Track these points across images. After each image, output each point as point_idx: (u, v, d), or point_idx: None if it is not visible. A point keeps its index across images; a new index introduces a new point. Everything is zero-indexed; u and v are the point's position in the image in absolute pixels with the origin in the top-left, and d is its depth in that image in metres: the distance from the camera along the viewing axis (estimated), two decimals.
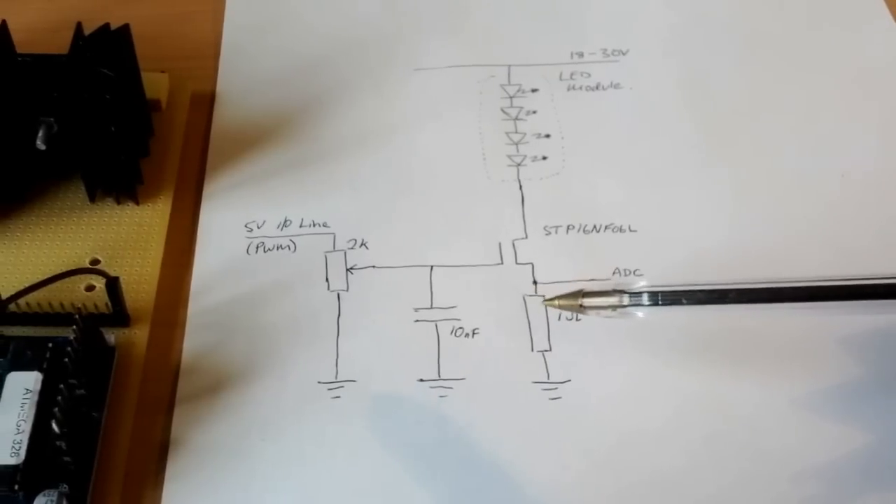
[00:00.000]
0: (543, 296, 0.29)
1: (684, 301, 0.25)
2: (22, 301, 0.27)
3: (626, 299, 0.26)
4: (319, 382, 0.27)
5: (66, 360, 0.25)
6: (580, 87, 0.35)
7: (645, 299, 0.25)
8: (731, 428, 0.26)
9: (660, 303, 0.25)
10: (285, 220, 0.31)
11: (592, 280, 0.29)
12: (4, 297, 0.26)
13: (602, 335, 0.28)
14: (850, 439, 0.26)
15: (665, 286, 0.26)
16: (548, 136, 0.33)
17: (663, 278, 0.29)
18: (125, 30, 0.30)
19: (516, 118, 0.34)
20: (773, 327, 0.28)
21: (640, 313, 0.26)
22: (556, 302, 0.27)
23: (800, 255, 0.30)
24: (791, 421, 0.26)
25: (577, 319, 0.28)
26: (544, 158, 0.33)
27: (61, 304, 0.27)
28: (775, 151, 0.33)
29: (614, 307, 0.26)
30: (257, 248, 0.30)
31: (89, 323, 0.26)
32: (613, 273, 0.29)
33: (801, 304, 0.25)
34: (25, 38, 0.30)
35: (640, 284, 0.26)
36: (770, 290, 0.25)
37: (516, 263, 0.30)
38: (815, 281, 0.25)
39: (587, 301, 0.26)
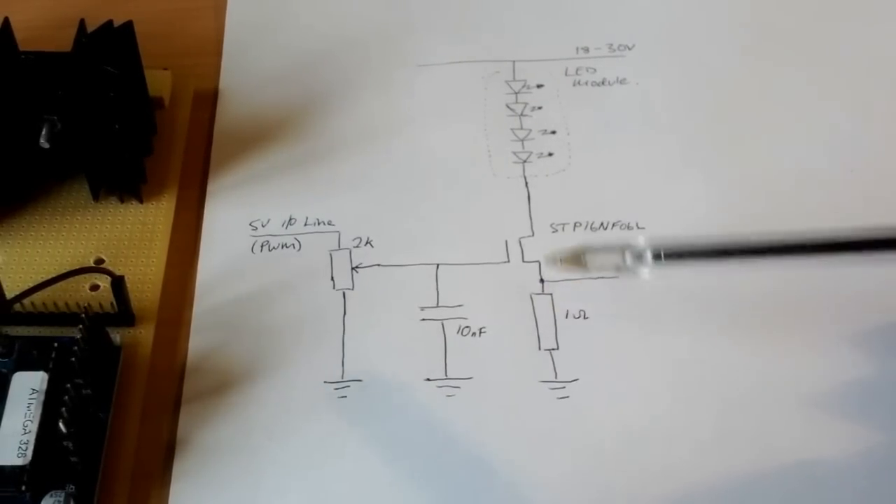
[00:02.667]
0: (539, 261, 0.28)
1: (688, 257, 0.25)
2: (27, 301, 0.27)
3: (629, 257, 0.25)
4: (325, 382, 0.27)
5: (72, 359, 0.25)
6: (586, 83, 0.34)
7: (648, 257, 0.25)
8: (739, 426, 0.26)
9: (663, 260, 0.25)
10: (290, 219, 0.31)
11: (600, 278, 0.29)
12: (9, 296, 0.26)
13: (610, 334, 0.28)
14: (859, 438, 0.26)
15: (668, 243, 0.25)
16: (553, 132, 0.33)
17: (671, 275, 0.29)
18: (128, 27, 0.30)
19: (522, 114, 0.34)
20: (781, 325, 0.28)
21: (645, 273, 0.25)
22: (559, 259, 0.26)
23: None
24: (800, 419, 0.26)
25: (583, 318, 0.28)
26: (550, 155, 0.32)
27: (66, 304, 0.27)
28: (784, 147, 0.33)
29: (618, 267, 0.25)
30: (262, 246, 0.30)
31: (95, 322, 0.26)
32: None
33: (807, 257, 0.24)
34: (28, 36, 0.30)
35: (642, 240, 0.25)
36: (772, 245, 0.24)
37: (523, 261, 0.30)
38: (823, 234, 0.24)
39: (591, 258, 0.26)
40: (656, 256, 0.25)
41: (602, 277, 0.29)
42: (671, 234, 0.30)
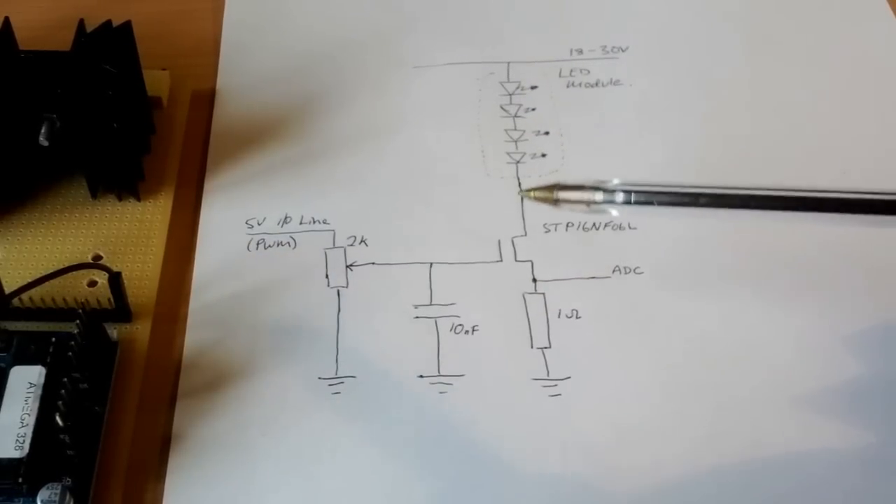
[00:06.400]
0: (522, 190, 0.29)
1: (655, 202, 0.25)
2: (25, 296, 0.27)
3: (599, 196, 0.25)
4: (320, 378, 0.27)
5: (70, 354, 0.25)
6: (579, 84, 0.35)
7: (619, 197, 0.25)
8: (731, 425, 0.27)
9: (632, 202, 0.25)
10: (285, 217, 0.31)
11: (592, 277, 0.29)
12: (8, 292, 0.27)
13: (602, 333, 0.28)
14: (851, 437, 0.26)
15: (639, 185, 0.25)
16: (547, 133, 0.33)
17: (663, 277, 0.29)
18: (127, 27, 0.30)
19: (515, 115, 0.34)
20: (774, 325, 0.28)
21: (613, 211, 0.25)
22: (532, 194, 0.26)
23: (802, 249, 0.30)
24: (792, 419, 0.27)
25: (575, 317, 0.29)
26: (543, 156, 0.33)
27: (64, 300, 0.27)
28: (776, 148, 0.33)
29: (588, 203, 0.25)
30: (258, 244, 0.30)
31: (92, 318, 0.26)
32: (613, 271, 0.30)
33: (777, 213, 0.24)
34: (28, 35, 0.30)
35: (615, 182, 0.25)
36: (743, 196, 0.24)
37: (516, 261, 0.30)
38: (791, 190, 0.24)
39: (562, 195, 0.26)
40: (626, 199, 0.25)
41: (594, 278, 0.29)
42: (665, 232, 0.30)
